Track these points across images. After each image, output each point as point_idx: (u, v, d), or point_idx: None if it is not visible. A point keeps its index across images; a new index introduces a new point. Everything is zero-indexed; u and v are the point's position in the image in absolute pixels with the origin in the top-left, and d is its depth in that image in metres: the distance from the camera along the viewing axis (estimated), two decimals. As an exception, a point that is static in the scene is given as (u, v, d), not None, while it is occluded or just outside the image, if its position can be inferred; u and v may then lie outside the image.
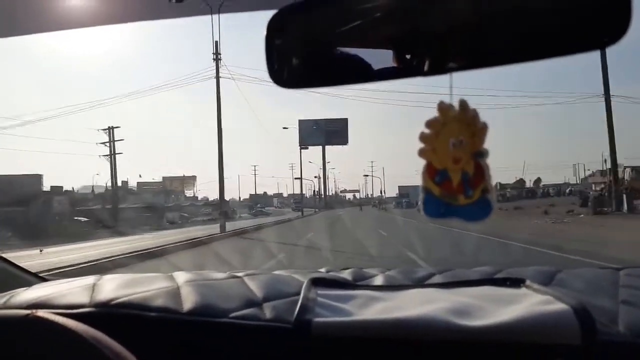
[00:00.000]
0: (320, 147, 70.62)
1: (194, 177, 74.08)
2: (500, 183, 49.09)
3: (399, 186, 66.67)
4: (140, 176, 66.90)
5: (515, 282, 0.75)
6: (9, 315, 0.65)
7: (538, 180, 53.39)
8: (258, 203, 68.85)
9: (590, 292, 0.72)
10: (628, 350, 0.60)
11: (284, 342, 0.65)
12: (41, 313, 0.60)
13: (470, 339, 0.61)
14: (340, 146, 71.66)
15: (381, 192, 62.47)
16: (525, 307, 0.65)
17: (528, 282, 0.74)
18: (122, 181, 49.86)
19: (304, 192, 66.00)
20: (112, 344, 0.58)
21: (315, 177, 71.76)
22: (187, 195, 69.85)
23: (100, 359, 0.56)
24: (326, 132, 69.28)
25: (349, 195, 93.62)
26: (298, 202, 68.62)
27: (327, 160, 72.12)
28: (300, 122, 68.24)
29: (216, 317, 0.69)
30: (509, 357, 0.61)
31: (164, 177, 73.30)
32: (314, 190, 67.60)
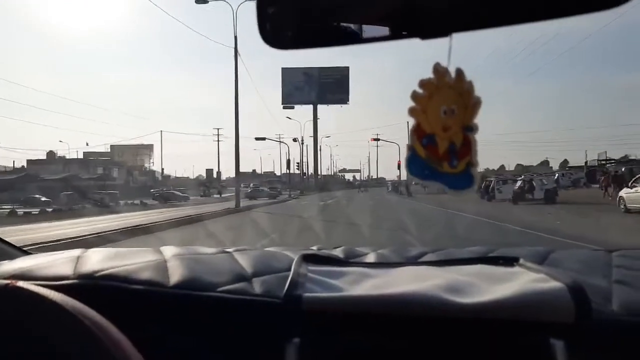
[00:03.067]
0: (311, 106, 56.06)
1: (149, 146, 62.98)
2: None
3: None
4: (87, 144, 57.98)
5: (509, 261, 0.78)
6: None
7: (565, 162, 49.77)
8: (255, 184, 51.76)
9: (583, 271, 0.75)
10: (622, 329, 0.63)
11: (273, 317, 0.67)
12: (20, 283, 0.61)
13: (463, 315, 0.63)
14: (338, 106, 56.96)
15: (399, 166, 39.77)
16: (519, 284, 0.67)
17: (522, 261, 0.77)
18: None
19: (295, 170, 50.12)
20: (92, 314, 0.59)
21: (294, 140, 53.94)
22: (146, 168, 58.54)
23: (79, 328, 0.57)
24: (320, 86, 54.84)
25: (349, 176, 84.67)
26: (273, 182, 54.20)
27: (317, 117, 56.22)
28: (284, 71, 54.02)
29: (204, 290, 0.71)
30: (502, 335, 0.64)
31: (111, 146, 62.43)
32: (289, 160, 47.41)
